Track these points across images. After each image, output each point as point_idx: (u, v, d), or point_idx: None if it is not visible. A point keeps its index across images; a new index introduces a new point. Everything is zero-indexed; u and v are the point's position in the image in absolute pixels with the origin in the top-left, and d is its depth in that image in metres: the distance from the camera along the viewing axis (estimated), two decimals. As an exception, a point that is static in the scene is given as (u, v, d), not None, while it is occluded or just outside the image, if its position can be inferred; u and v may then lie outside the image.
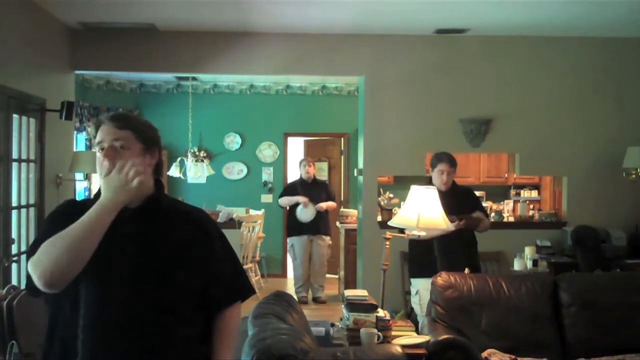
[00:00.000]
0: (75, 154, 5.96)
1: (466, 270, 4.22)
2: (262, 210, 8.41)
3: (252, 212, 8.42)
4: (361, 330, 3.31)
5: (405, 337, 3.36)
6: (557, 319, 3.97)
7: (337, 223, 7.95)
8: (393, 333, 3.43)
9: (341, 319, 3.58)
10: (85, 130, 7.89)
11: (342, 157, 9.61)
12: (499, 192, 8.38)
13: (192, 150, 8.73)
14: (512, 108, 6.42)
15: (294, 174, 8.68)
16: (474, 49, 6.38)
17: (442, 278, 4.00)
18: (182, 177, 8.42)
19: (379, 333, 3.30)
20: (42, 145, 5.30)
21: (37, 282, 1.71)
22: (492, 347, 3.75)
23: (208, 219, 2.04)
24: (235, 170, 9.39)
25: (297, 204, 7.43)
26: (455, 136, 6.38)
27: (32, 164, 5.17)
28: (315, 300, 7.63)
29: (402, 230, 4.18)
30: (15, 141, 4.86)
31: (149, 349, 1.80)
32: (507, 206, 8.05)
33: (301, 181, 7.59)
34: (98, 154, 1.85)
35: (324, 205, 7.45)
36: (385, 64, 6.39)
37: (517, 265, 5.88)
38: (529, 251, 5.96)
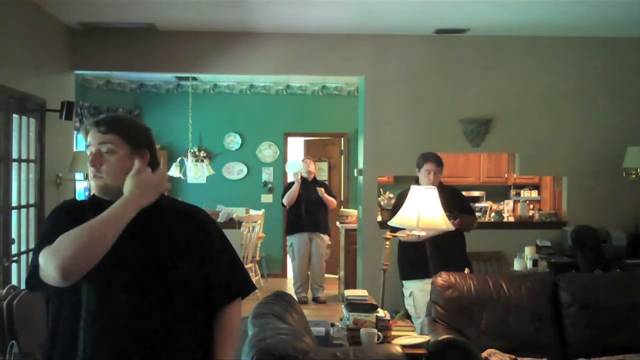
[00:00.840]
0: (75, 154, 5.96)
1: (466, 270, 4.22)
2: (262, 210, 8.41)
3: (252, 212, 8.42)
4: (361, 330, 3.31)
5: (405, 337, 3.36)
6: (557, 319, 3.97)
7: (337, 223, 7.95)
8: (393, 333, 3.43)
9: (341, 319, 3.58)
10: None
11: (342, 157, 9.61)
12: (499, 192, 8.38)
13: (192, 150, 8.73)
14: (512, 108, 6.42)
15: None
16: (474, 49, 6.38)
17: (442, 278, 4.00)
18: (182, 177, 8.42)
19: (379, 333, 3.30)
20: (42, 145, 5.30)
21: (54, 271, 1.67)
22: (492, 347, 3.75)
23: (207, 217, 2.04)
24: (235, 170, 9.39)
25: (299, 202, 7.41)
26: (455, 136, 6.38)
27: (32, 164, 5.17)
28: (315, 300, 7.62)
29: (394, 230, 4.15)
30: (15, 141, 4.86)
31: (150, 348, 1.81)
32: (507, 206, 8.04)
33: (302, 179, 7.57)
34: (87, 158, 1.88)
35: (325, 195, 7.43)
36: (385, 64, 6.39)
37: (517, 265, 5.88)
38: (529, 251, 5.96)
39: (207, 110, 9.23)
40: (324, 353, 2.63)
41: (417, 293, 4.44)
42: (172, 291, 1.84)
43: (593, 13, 5.51)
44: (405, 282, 4.63)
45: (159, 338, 1.82)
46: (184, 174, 8.33)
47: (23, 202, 4.99)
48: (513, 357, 3.68)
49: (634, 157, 5.99)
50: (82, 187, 7.44)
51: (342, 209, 8.26)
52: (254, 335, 2.56)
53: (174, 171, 8.24)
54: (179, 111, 9.03)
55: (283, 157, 9.44)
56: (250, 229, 7.58)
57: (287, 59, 6.43)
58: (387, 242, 4.06)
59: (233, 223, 7.51)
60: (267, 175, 9.42)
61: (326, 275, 7.98)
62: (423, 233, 4.00)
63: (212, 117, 9.28)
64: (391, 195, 6.66)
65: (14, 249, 4.72)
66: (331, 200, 7.54)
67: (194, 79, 8.90)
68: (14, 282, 4.52)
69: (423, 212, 3.92)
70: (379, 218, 6.50)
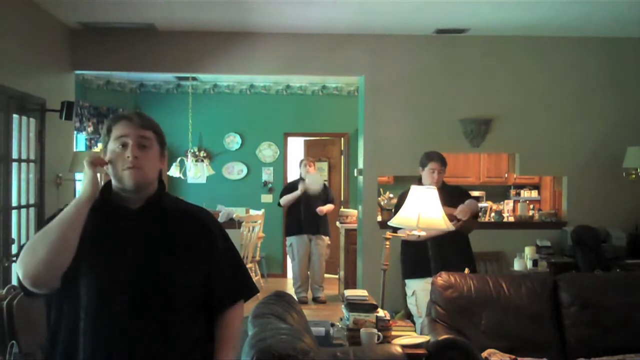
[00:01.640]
0: (75, 154, 5.96)
1: (466, 270, 4.22)
2: (262, 210, 8.41)
3: (252, 212, 8.42)
4: (361, 330, 3.31)
5: (405, 337, 3.35)
6: (557, 319, 3.96)
7: (337, 223, 7.95)
8: (393, 333, 3.42)
9: (341, 319, 3.58)
10: (85, 130, 7.89)
11: (342, 157, 9.61)
12: (499, 192, 8.38)
13: (192, 150, 8.73)
14: (512, 108, 6.42)
15: (294, 174, 8.68)
16: (474, 49, 6.38)
17: (442, 278, 3.99)
18: (182, 177, 8.42)
19: (379, 333, 3.30)
20: (42, 145, 5.30)
21: (23, 281, 1.72)
22: (492, 347, 3.75)
23: (210, 218, 2.02)
24: (235, 170, 9.39)
25: (299, 204, 7.41)
26: (455, 136, 6.38)
27: (32, 164, 5.17)
28: (315, 300, 7.62)
29: (395, 230, 4.15)
30: (15, 141, 4.86)
31: (151, 350, 1.80)
32: (507, 206, 8.05)
33: (302, 180, 7.57)
34: (115, 148, 1.83)
35: (324, 209, 7.46)
36: (385, 64, 6.39)
37: (517, 265, 5.88)
38: (529, 251, 5.96)
39: (207, 110, 9.23)
40: (324, 353, 2.63)
41: (419, 292, 4.43)
42: (172, 292, 1.83)
43: (593, 13, 5.51)
44: (407, 281, 4.63)
45: (159, 339, 1.81)
46: (184, 174, 8.33)
47: (23, 202, 5.00)
48: (513, 357, 3.67)
49: (634, 157, 5.99)
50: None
51: (342, 209, 8.26)
52: (254, 335, 2.56)
53: (174, 171, 8.24)
54: (179, 111, 9.02)
55: (283, 157, 9.44)
56: (250, 229, 7.58)
57: (287, 59, 6.43)
58: (387, 242, 4.05)
59: (233, 223, 7.51)
60: (267, 175, 9.42)
61: (326, 275, 7.98)
62: (423, 233, 4.00)
63: (212, 117, 9.28)
64: (391, 195, 6.66)
65: (14, 249, 4.72)
66: (330, 209, 7.56)
67: (194, 79, 8.90)
68: (14, 282, 4.52)
69: (423, 212, 3.92)
70: (379, 218, 6.50)
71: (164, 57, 6.36)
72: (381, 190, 6.65)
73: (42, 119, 5.32)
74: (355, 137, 8.22)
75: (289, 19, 5.85)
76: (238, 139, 9.38)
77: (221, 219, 7.56)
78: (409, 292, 4.60)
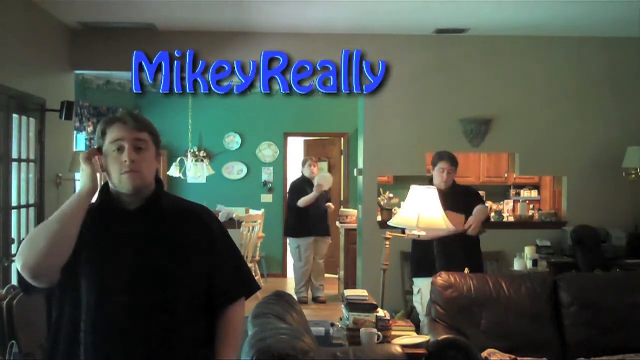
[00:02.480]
0: (75, 154, 5.96)
1: (466, 270, 4.22)
2: (262, 210, 8.40)
3: (252, 212, 8.42)
4: (361, 330, 3.31)
5: (405, 337, 3.35)
6: (557, 319, 3.96)
7: (337, 223, 7.95)
8: (393, 333, 3.43)
9: (341, 319, 3.58)
10: (85, 130, 7.89)
11: (342, 157, 9.61)
12: (499, 192, 8.38)
13: (192, 150, 8.72)
14: (512, 108, 6.41)
15: (294, 174, 8.67)
16: (474, 49, 6.38)
17: (442, 278, 4.00)
18: (182, 177, 8.42)
19: (379, 333, 3.30)
20: (42, 145, 5.30)
21: (22, 271, 1.74)
22: (492, 347, 3.75)
23: (211, 217, 2.02)
24: (235, 170, 9.39)
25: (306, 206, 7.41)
26: (455, 136, 6.37)
27: (32, 164, 5.17)
28: (315, 300, 7.62)
29: (404, 231, 4.17)
30: (15, 141, 4.86)
31: (152, 350, 1.79)
32: (507, 206, 8.05)
33: (305, 180, 7.56)
34: (111, 152, 1.83)
35: (332, 205, 7.60)
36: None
37: (517, 265, 5.88)
38: (529, 251, 5.96)
39: (207, 110, 9.23)
40: (324, 353, 2.63)
41: (425, 291, 4.42)
42: (173, 292, 1.83)
43: (593, 13, 5.51)
44: (415, 280, 4.63)
45: (159, 339, 1.81)
46: (184, 174, 8.33)
47: (23, 202, 4.99)
48: (513, 357, 3.68)
49: (634, 157, 5.99)
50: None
51: (342, 209, 8.25)
52: (254, 335, 2.56)
53: (174, 171, 8.24)
54: (179, 111, 9.02)
55: (283, 157, 9.44)
56: (250, 229, 7.58)
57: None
58: (387, 242, 4.06)
59: (233, 223, 7.51)
60: (267, 175, 9.41)
61: (326, 275, 7.98)
62: (423, 233, 4.00)
63: (212, 117, 9.27)
64: (391, 195, 6.66)
65: (14, 249, 4.72)
66: (332, 207, 7.64)
67: (194, 79, 8.88)
68: (14, 282, 4.52)
69: (423, 212, 3.92)
70: (379, 218, 6.50)
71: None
72: (381, 190, 6.64)
73: (42, 119, 5.32)
74: (355, 137, 8.22)
75: (288, 19, 5.85)
76: (238, 139, 9.38)
77: (221, 219, 7.55)
78: (415, 290, 4.60)
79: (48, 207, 5.29)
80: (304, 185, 7.54)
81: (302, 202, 7.37)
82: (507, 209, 7.96)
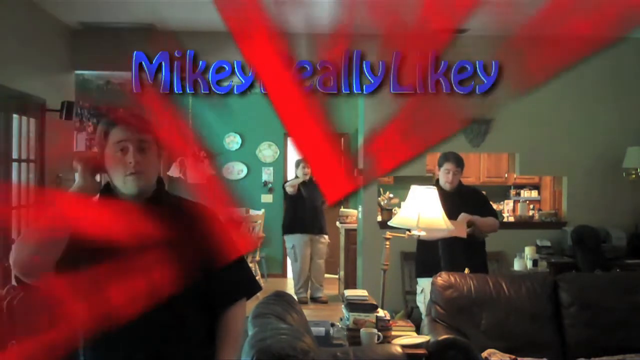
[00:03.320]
0: (74, 154, 5.95)
1: (466, 270, 4.22)
2: (262, 210, 8.40)
3: (252, 212, 8.41)
4: (361, 330, 3.31)
5: (405, 337, 3.36)
6: (557, 319, 3.97)
7: (337, 223, 7.94)
8: (393, 333, 3.43)
9: (341, 319, 3.58)
10: (85, 130, 7.88)
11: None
12: (499, 192, 8.38)
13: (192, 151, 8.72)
14: (512, 108, 6.40)
15: (294, 174, 8.66)
16: (474, 49, 6.36)
17: (442, 278, 4.00)
18: (182, 177, 8.41)
19: (379, 333, 3.30)
20: (42, 145, 5.30)
21: (13, 268, 1.76)
22: (492, 347, 3.75)
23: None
24: (235, 170, 9.39)
25: (301, 202, 7.39)
26: (455, 136, 6.36)
27: (32, 164, 5.17)
28: (315, 300, 7.62)
29: (408, 230, 4.15)
30: (15, 141, 4.86)
31: (152, 349, 1.79)
32: (507, 206, 8.05)
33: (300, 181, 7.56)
34: (114, 153, 1.82)
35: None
36: (385, 64, 6.38)
37: (517, 265, 5.88)
38: (529, 251, 5.96)
39: (207, 110, 9.21)
40: (324, 353, 2.63)
41: (427, 290, 4.42)
42: (173, 292, 1.82)
43: (593, 13, 5.51)
44: (418, 279, 4.63)
45: (160, 339, 1.81)
46: (184, 174, 8.32)
47: (23, 202, 4.99)
48: (513, 357, 3.68)
49: (634, 157, 5.99)
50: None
51: (342, 209, 8.25)
52: (254, 335, 2.56)
53: (174, 171, 8.23)
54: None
55: (283, 157, 9.44)
56: (250, 229, 7.58)
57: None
58: (387, 242, 4.06)
59: (233, 223, 7.49)
60: (267, 175, 9.41)
61: (326, 275, 7.98)
62: (423, 233, 4.00)
63: (212, 117, 9.26)
64: (391, 195, 6.66)
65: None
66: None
67: (194, 79, 8.89)
68: (14, 282, 4.52)
69: (423, 212, 3.92)
70: (379, 218, 6.50)
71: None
72: (381, 190, 6.64)
73: (42, 119, 5.32)
74: (355, 137, 8.22)
75: (288, 19, 5.84)
76: (238, 139, 9.38)
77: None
78: (418, 289, 4.60)
79: (48, 207, 5.28)
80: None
81: (289, 185, 7.44)
82: (507, 209, 7.96)
